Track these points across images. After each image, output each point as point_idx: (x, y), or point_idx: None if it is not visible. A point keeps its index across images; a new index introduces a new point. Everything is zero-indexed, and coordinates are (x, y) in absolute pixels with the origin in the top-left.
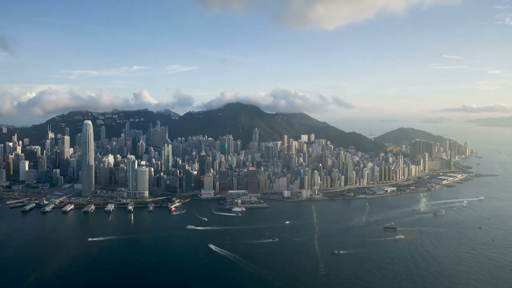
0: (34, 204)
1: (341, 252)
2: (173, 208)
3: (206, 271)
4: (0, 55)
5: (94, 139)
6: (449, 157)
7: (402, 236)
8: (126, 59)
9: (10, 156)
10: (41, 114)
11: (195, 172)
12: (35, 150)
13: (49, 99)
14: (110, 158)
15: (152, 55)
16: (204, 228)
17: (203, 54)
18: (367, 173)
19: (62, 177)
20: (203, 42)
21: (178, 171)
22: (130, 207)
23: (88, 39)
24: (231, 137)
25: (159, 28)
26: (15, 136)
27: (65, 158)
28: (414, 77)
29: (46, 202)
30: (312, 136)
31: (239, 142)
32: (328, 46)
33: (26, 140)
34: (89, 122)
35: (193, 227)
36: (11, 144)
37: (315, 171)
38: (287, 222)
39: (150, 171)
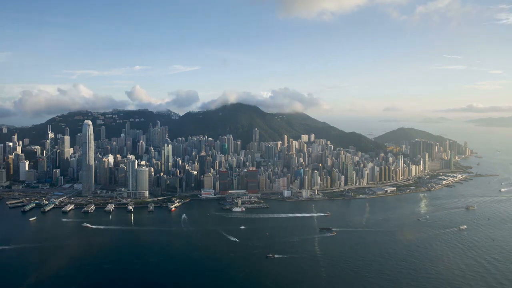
0: (34, 204)
1: (276, 256)
2: (173, 208)
3: None
4: (2, 55)
5: (94, 139)
6: (449, 157)
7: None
8: (128, 59)
9: (10, 156)
10: (29, 116)
11: (195, 172)
12: (35, 150)
13: (32, 100)
14: (110, 158)
15: (154, 55)
16: (104, 227)
17: (205, 53)
18: (367, 173)
19: (62, 177)
20: (205, 41)
21: (178, 171)
22: (130, 207)
23: (90, 39)
24: (231, 137)
25: (162, 28)
26: (15, 136)
27: (65, 158)
28: (414, 77)
29: (46, 202)
30: (312, 136)
31: (239, 142)
32: (327, 42)
33: (26, 140)
34: (89, 122)
35: (88, 225)
36: (11, 144)
37: (315, 171)
38: (242, 227)
39: (150, 171)
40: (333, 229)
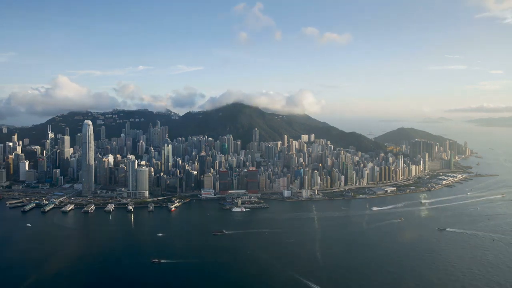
0: (34, 204)
1: (162, 261)
2: (173, 208)
3: None
4: (6, 55)
5: (94, 139)
6: (449, 157)
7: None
8: (131, 59)
9: (10, 156)
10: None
11: (195, 172)
12: (35, 150)
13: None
14: (110, 158)
15: (157, 55)
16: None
17: (208, 53)
18: (367, 173)
19: (62, 177)
20: (207, 41)
21: (178, 171)
22: (130, 207)
23: (92, 39)
24: (231, 137)
25: (164, 27)
26: (15, 136)
27: (65, 158)
28: (415, 77)
29: (46, 202)
30: (312, 136)
31: (239, 142)
32: (327, 41)
33: (26, 140)
34: (89, 122)
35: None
36: (11, 144)
37: (315, 171)
38: (160, 234)
39: (150, 171)
40: (225, 231)
